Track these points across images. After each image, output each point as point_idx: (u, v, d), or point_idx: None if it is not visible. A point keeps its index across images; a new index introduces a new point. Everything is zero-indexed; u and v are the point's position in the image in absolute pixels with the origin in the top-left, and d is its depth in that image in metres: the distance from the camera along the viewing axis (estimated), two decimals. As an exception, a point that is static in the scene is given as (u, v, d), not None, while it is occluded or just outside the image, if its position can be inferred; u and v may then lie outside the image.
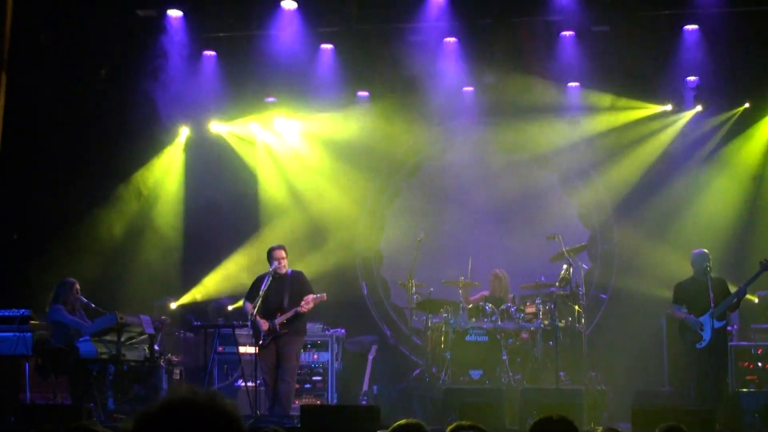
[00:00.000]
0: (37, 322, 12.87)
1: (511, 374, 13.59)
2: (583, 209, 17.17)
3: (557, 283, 14.18)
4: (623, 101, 15.86)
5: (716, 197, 16.11)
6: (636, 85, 15.63)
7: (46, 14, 14.88)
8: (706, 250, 12.81)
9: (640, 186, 16.48)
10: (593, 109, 16.28)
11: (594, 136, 16.68)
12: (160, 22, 14.81)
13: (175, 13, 14.72)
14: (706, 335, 12.28)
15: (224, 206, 17.26)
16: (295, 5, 14.39)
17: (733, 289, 12.72)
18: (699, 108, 16.03)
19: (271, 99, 17.08)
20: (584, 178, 17.04)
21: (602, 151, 16.74)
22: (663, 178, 16.37)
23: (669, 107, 16.04)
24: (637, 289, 16.10)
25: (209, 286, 16.99)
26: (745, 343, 13.68)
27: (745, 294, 12.61)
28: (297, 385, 13.42)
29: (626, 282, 16.40)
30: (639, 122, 16.43)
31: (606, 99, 15.93)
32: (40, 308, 12.83)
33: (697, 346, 12.42)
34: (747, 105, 15.32)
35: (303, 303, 12.09)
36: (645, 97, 15.95)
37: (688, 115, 16.18)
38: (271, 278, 12.24)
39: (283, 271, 12.37)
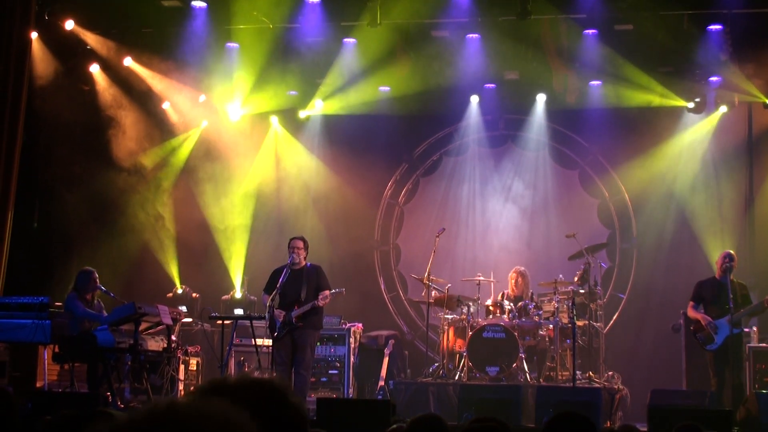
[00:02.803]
0: (55, 310, 12.94)
1: (527, 372, 13.58)
2: (602, 207, 17.11)
3: (576, 281, 14.17)
4: (645, 88, 15.70)
5: (739, 197, 16.05)
6: (658, 84, 15.55)
7: (72, 2, 14.98)
8: (732, 252, 12.73)
9: (660, 185, 16.42)
10: (615, 106, 16.22)
11: (614, 133, 16.62)
12: (184, 12, 14.84)
13: (199, 4, 14.74)
14: (719, 339, 12.22)
15: (243, 199, 17.30)
16: (318, -1, 14.40)
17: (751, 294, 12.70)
18: (724, 108, 15.96)
19: (292, 92, 17.09)
20: (604, 176, 16.97)
21: (623, 149, 16.68)
22: (684, 177, 16.30)
23: (691, 105, 15.95)
24: (656, 289, 16.07)
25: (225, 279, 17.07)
26: (764, 345, 13.60)
27: (759, 311, 12.55)
28: (313, 379, 13.45)
29: (645, 281, 16.35)
30: (660, 121, 16.36)
31: (628, 94, 15.85)
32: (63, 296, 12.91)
33: (707, 347, 12.36)
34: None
35: (320, 297, 12.10)
36: (668, 95, 15.85)
37: (711, 116, 16.10)
38: (289, 271, 12.26)
39: (301, 263, 12.39)
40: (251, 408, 2.26)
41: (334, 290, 12.40)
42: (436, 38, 15.38)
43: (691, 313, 12.66)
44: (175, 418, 1.91)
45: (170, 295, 16.25)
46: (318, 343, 13.29)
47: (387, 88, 16.74)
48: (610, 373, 14.17)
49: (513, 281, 14.76)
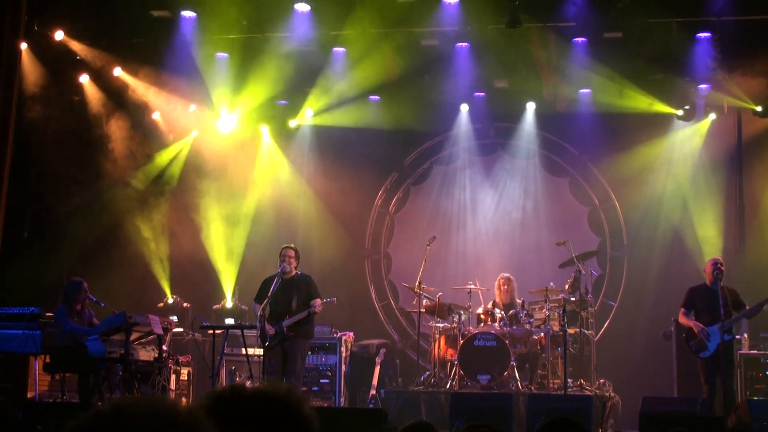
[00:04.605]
0: (46, 320, 12.88)
1: (519, 380, 13.58)
2: (592, 215, 17.13)
3: (566, 289, 14.17)
4: (634, 95, 15.72)
5: (729, 203, 16.09)
6: (648, 91, 15.59)
7: (62, 13, 14.95)
8: (720, 258, 12.74)
9: (650, 192, 16.45)
10: (605, 114, 16.24)
11: (604, 140, 16.64)
12: (173, 22, 14.82)
13: (188, 14, 14.72)
14: (711, 346, 12.21)
15: (233, 209, 17.28)
16: (308, 8, 14.37)
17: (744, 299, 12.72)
18: (713, 115, 16.02)
19: (282, 102, 17.09)
20: (595, 184, 17.00)
21: (613, 156, 16.70)
22: (673, 184, 16.34)
23: (681, 113, 16.00)
24: (646, 297, 16.08)
25: (216, 289, 17.03)
26: (755, 352, 13.62)
27: (759, 312, 12.56)
28: (304, 388, 13.42)
29: (635, 289, 16.36)
30: (650, 128, 16.39)
31: (618, 101, 15.86)
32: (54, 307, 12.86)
33: (700, 354, 12.35)
34: (759, 108, 15.28)
35: (313, 307, 12.09)
36: (657, 103, 15.89)
37: (701, 123, 16.16)
38: (279, 280, 12.24)
39: (292, 272, 12.37)
40: (265, 418, 2.25)
41: (325, 300, 12.38)
42: (426, 47, 15.38)
43: (683, 320, 12.65)
44: (121, 418, 1.89)
45: (161, 304, 16.23)
46: (309, 352, 13.29)
47: (377, 97, 16.76)
48: (602, 380, 14.17)
49: (499, 288, 14.78)
